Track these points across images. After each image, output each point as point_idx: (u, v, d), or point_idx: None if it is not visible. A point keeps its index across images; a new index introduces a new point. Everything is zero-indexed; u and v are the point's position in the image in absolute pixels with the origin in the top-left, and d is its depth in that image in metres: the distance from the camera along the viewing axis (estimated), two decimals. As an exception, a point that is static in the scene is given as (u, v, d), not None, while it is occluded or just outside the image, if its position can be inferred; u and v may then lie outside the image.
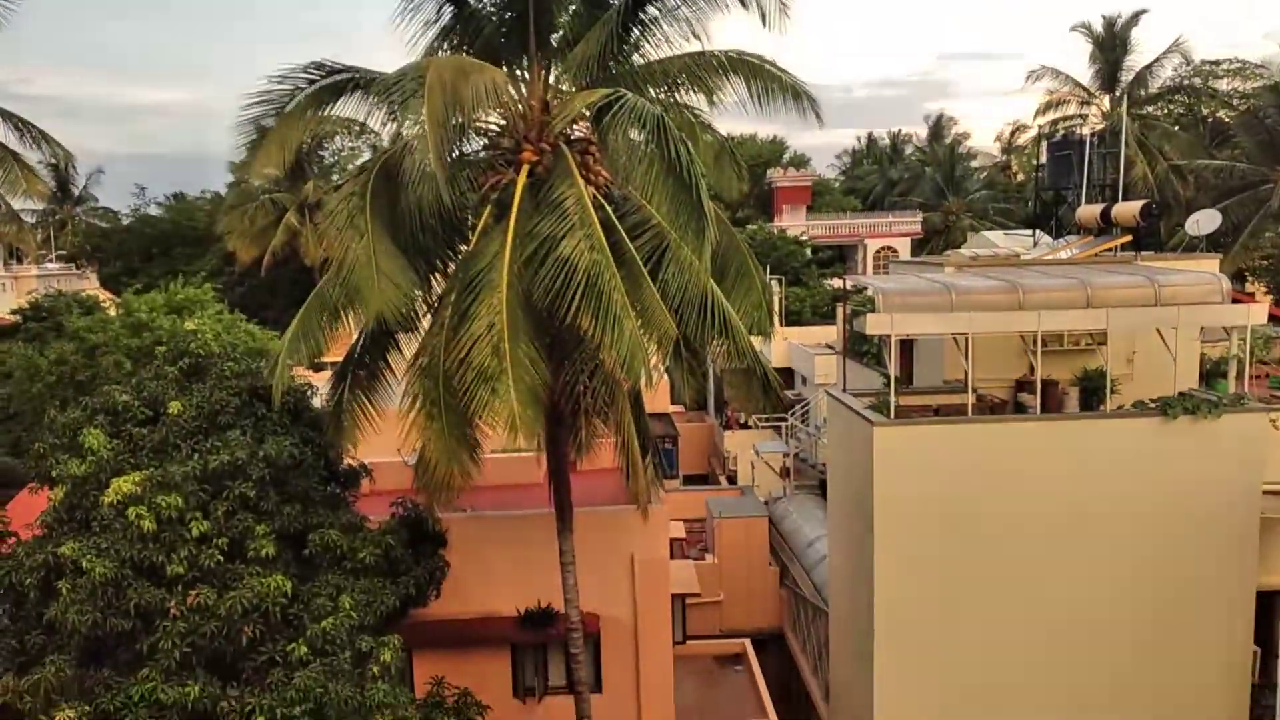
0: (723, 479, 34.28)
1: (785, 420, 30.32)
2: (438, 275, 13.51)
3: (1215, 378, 17.78)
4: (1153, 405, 15.40)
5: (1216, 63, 45.66)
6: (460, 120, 11.37)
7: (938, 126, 71.51)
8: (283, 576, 11.66)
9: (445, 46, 13.14)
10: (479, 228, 12.51)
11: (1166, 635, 15.37)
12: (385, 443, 13.27)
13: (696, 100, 13.70)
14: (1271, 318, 22.48)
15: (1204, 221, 21.04)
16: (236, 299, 43.87)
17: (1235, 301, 16.45)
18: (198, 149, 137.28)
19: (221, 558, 11.64)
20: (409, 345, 13.21)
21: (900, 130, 79.73)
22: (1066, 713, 15.51)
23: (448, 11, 13.00)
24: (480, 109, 11.85)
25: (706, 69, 13.14)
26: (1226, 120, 43.49)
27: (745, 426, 34.21)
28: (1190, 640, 15.39)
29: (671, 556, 17.34)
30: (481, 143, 13.43)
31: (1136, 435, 15.23)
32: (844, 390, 18.17)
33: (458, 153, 12.83)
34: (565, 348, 12.44)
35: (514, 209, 11.89)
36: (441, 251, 13.44)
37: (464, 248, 13.16)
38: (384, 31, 13.16)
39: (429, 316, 13.19)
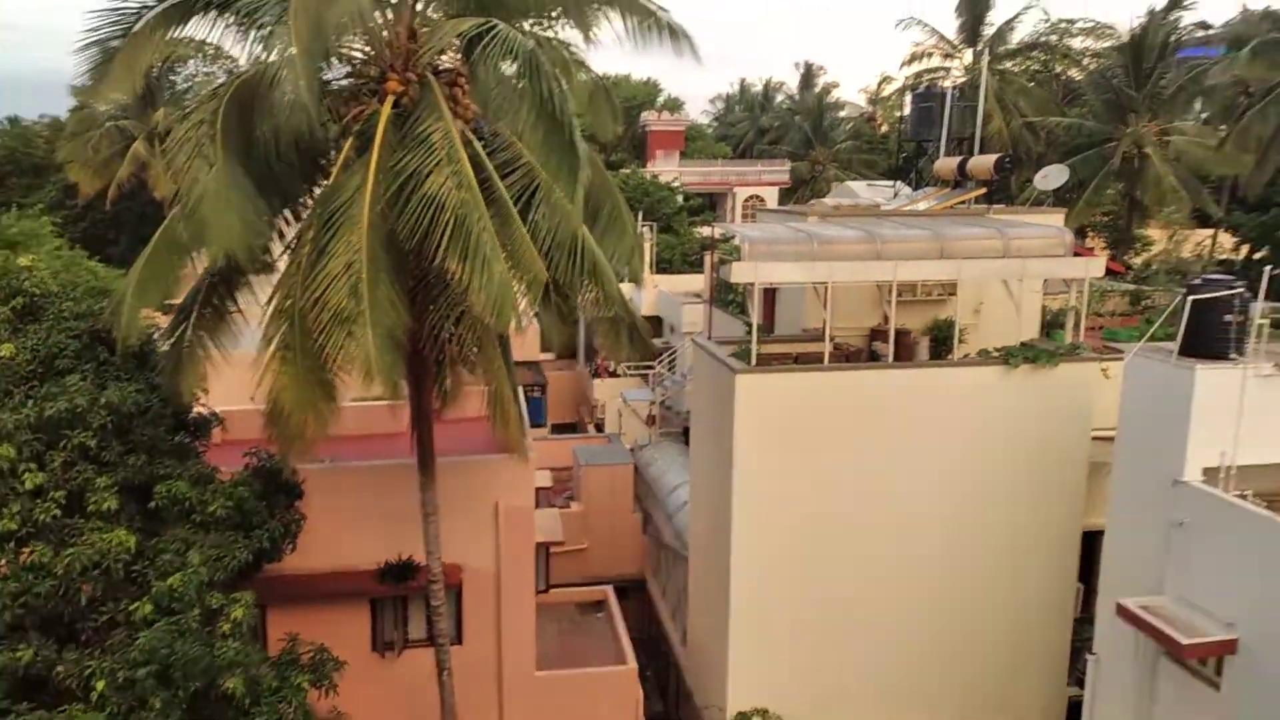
0: (591, 427, 34.43)
1: (653, 368, 30.58)
2: (294, 211, 12.87)
3: (1054, 328, 18.83)
4: (996, 354, 16.20)
5: (1072, 21, 47.74)
6: (324, 46, 10.77)
7: (808, 75, 72.48)
8: (126, 531, 11.05)
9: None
10: (340, 161, 11.91)
11: (1002, 570, 16.41)
12: (239, 390, 12.67)
13: (572, 36, 13.37)
14: (1109, 272, 23.96)
15: (1052, 177, 22.09)
16: (78, 234, 40.87)
17: (1076, 255, 17.40)
18: (38, 70, 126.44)
19: (59, 512, 10.92)
20: (262, 286, 12.58)
21: (772, 78, 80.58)
22: (910, 643, 16.41)
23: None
24: (345, 35, 11.25)
25: (582, 0, 12.79)
26: (1078, 79, 45.65)
27: (614, 374, 34.36)
28: (1023, 575, 16.47)
29: (537, 505, 17.34)
30: (344, 71, 12.77)
31: (981, 382, 16.02)
32: (709, 338, 18.41)
33: (318, 80, 12.16)
34: (431, 291, 12.07)
35: (377, 142, 11.34)
36: (299, 186, 12.76)
37: (324, 182, 12.54)
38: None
39: (285, 256, 12.56)
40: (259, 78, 11.33)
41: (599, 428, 33.23)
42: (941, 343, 17.39)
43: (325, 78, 12.26)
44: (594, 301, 12.75)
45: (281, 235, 12.65)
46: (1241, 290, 11.89)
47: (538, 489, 18.56)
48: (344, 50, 12.24)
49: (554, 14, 12.94)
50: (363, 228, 10.83)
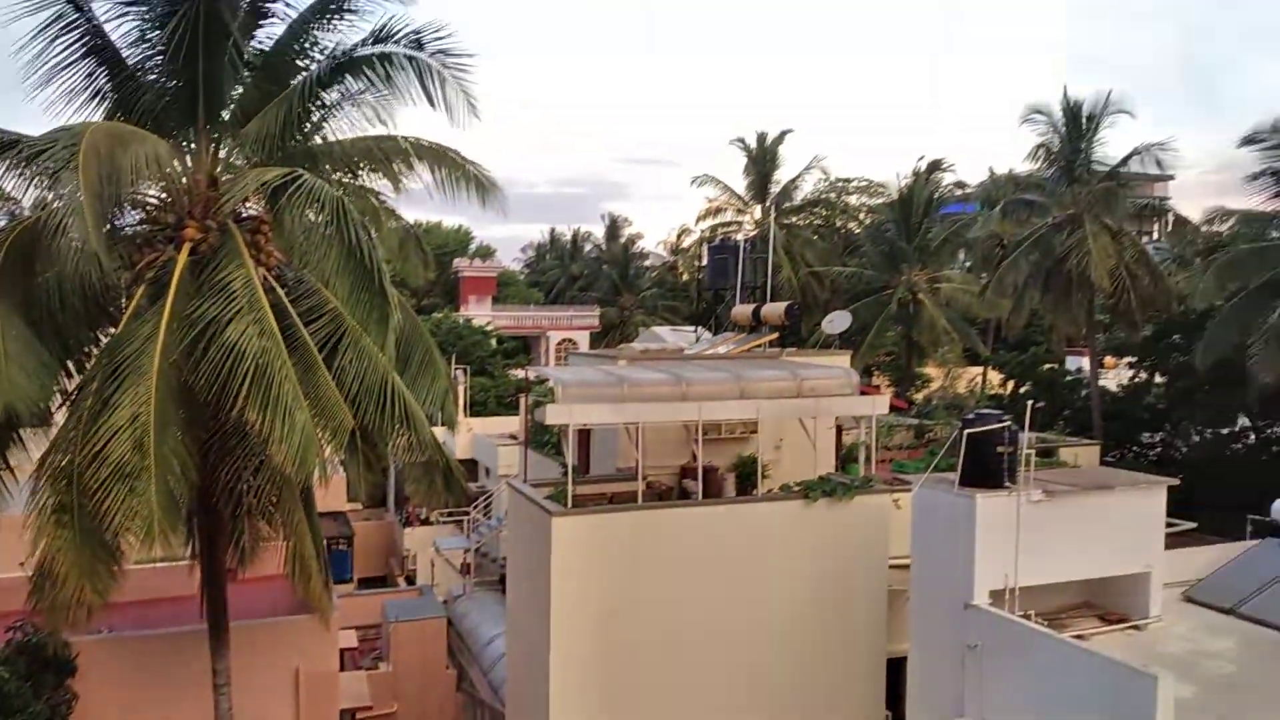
0: (401, 580, 33.02)
1: (468, 514, 29.93)
2: (77, 362, 12.09)
3: (850, 462, 19.92)
4: (796, 489, 16.93)
5: (848, 180, 52.61)
6: (116, 192, 10.44)
7: (613, 227, 75.69)
8: None
9: (99, 111, 12.08)
10: (131, 309, 11.38)
11: (812, 701, 16.66)
12: (4, 556, 11.47)
13: (382, 185, 13.57)
14: (893, 408, 25.75)
15: (837, 321, 23.79)
16: None
17: (863, 393, 18.64)
18: None
19: None
20: (36, 442, 11.61)
21: (580, 228, 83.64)
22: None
23: (101, 74, 11.99)
24: (140, 181, 10.97)
25: (392, 153, 13.07)
26: (856, 231, 49.99)
27: (427, 522, 33.35)
28: (834, 704, 16.77)
29: (342, 668, 16.34)
30: (138, 217, 12.36)
31: (785, 516, 16.62)
32: (525, 481, 18.32)
33: (110, 226, 11.71)
34: (228, 442, 11.53)
35: (172, 289, 10.98)
36: (84, 335, 12.09)
37: (112, 330, 11.91)
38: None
39: (63, 410, 11.70)
40: (42, 223, 10.81)
41: (410, 580, 31.92)
42: (747, 479, 17.99)
43: (118, 223, 11.85)
44: (405, 447, 12.52)
45: (64, 390, 11.83)
46: (1009, 424, 13.03)
47: (342, 650, 17.52)
48: (138, 196, 11.91)
49: (364, 164, 13.15)
50: (152, 378, 10.33)
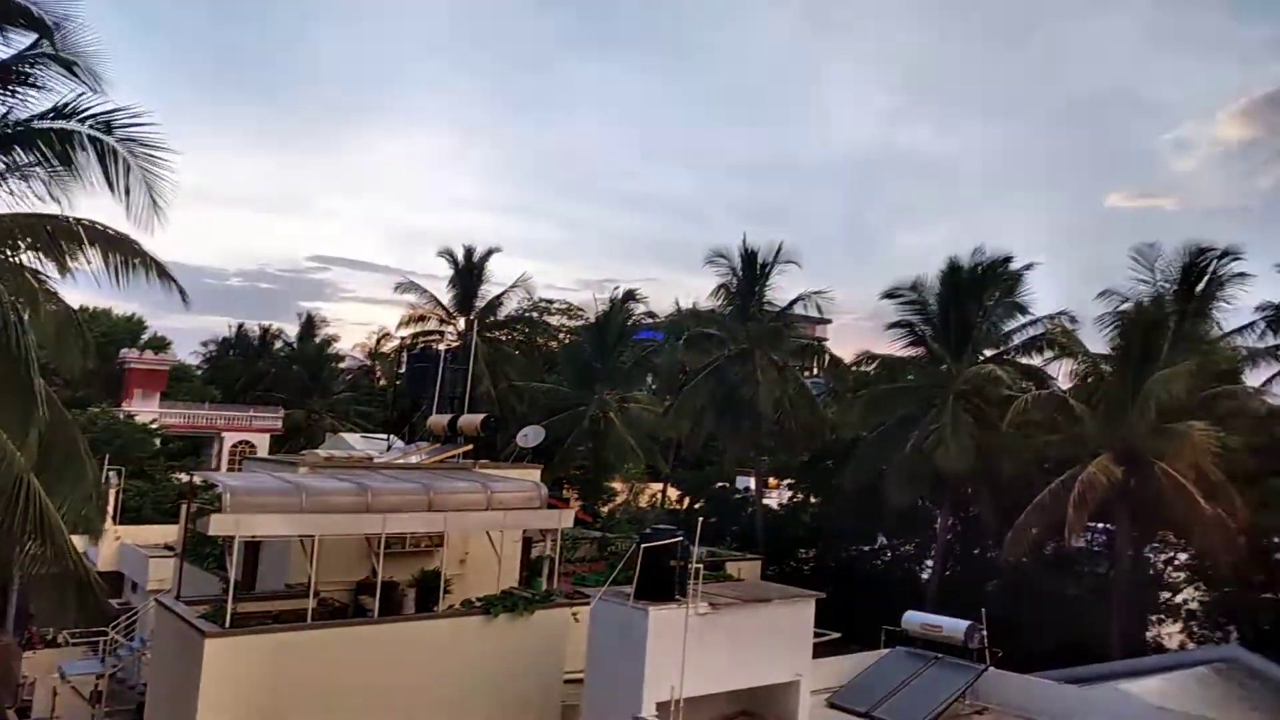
0: (11, 712, 28.35)
1: (106, 635, 26.58)
2: None
3: (535, 575, 20.07)
4: (478, 604, 16.77)
5: (550, 301, 54.49)
6: None
7: (309, 325, 72.48)
8: None
9: None
10: None
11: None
12: None
13: (45, 265, 12.35)
14: (579, 521, 26.39)
15: (531, 435, 24.26)
16: None
17: (551, 507, 19.00)
18: None
19: None
20: None
21: (272, 325, 79.08)
22: None
23: None
24: None
25: (60, 234, 11.99)
26: (555, 350, 51.58)
27: (53, 644, 29.17)
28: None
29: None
30: None
31: (465, 632, 16.36)
32: (178, 597, 16.68)
33: None
34: None
35: None
36: None
37: None
38: None
39: None
40: None
41: (23, 712, 27.50)
42: (429, 593, 17.56)
43: None
44: (35, 556, 11.08)
45: None
46: (682, 539, 13.80)
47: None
48: None
49: (24, 242, 11.95)
50: None
